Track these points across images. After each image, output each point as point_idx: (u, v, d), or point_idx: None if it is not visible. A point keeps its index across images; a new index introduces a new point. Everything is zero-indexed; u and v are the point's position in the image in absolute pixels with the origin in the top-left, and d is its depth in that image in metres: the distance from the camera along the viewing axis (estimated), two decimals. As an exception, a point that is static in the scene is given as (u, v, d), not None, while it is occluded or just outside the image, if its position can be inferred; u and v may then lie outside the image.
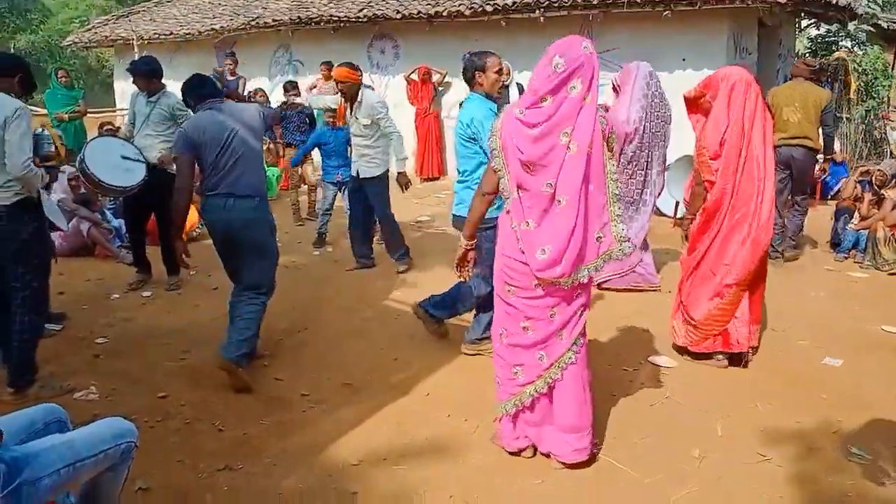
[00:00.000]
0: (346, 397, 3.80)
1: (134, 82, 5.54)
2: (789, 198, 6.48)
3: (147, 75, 5.45)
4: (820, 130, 6.31)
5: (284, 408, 3.71)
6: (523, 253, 2.85)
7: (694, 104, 4.14)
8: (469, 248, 3.19)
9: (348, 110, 5.94)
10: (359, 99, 5.74)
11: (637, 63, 5.42)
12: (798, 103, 6.14)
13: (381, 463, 3.18)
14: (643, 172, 5.39)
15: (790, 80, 6.64)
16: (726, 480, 3.01)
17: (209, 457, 3.22)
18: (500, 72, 4.08)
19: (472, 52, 4.28)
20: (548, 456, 3.12)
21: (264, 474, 3.10)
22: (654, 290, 5.47)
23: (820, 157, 6.70)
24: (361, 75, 6.04)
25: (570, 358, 2.97)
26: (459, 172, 4.12)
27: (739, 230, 4.00)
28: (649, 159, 5.37)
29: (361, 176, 5.90)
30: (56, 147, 4.09)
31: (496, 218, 3.13)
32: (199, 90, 4.12)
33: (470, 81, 4.06)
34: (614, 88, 5.42)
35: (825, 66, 11.98)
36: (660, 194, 5.63)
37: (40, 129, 4.02)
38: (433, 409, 3.63)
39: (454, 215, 4.17)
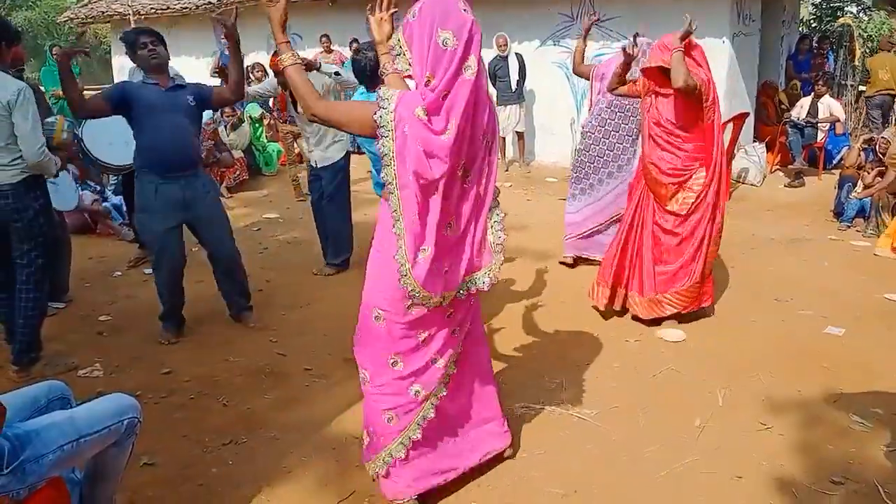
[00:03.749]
0: (348, 371, 3.80)
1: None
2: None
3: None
4: None
5: (288, 382, 3.74)
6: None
7: None
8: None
9: (289, 100, 5.40)
10: None
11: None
12: (888, 66, 9.42)
13: (383, 436, 3.19)
14: (630, 129, 5.23)
15: (881, 51, 9.84)
16: (726, 449, 3.03)
17: (214, 432, 3.25)
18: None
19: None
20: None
21: (269, 448, 3.12)
22: None
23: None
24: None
25: (458, 348, 2.62)
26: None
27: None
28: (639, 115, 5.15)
29: (319, 165, 5.43)
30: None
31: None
32: None
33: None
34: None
35: (828, 33, 11.83)
36: None
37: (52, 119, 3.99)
38: (435, 382, 3.64)
39: None
